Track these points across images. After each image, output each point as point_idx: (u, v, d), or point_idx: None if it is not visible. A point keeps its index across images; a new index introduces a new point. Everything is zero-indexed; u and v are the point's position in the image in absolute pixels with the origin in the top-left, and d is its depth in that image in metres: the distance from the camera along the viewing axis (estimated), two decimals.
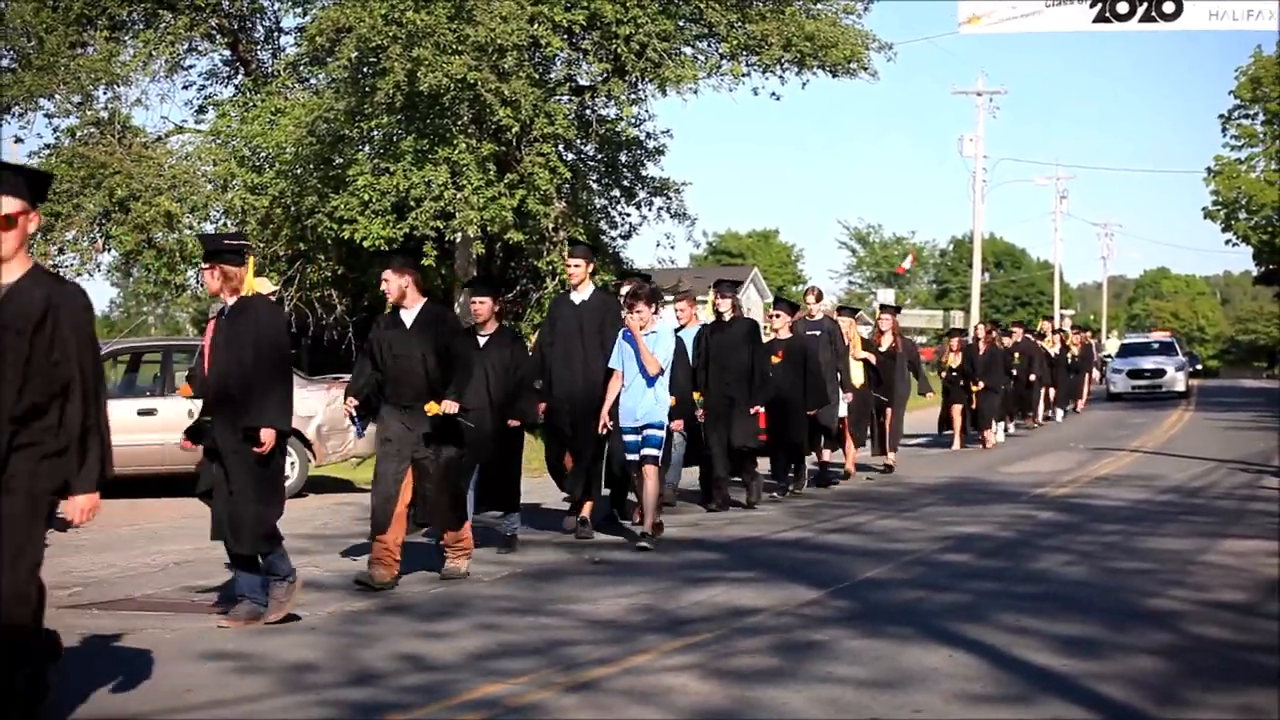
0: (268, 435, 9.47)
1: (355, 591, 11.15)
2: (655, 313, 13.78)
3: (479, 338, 13.17)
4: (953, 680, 8.03)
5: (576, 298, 14.43)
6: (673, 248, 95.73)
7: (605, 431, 13.77)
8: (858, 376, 20.37)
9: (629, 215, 28.08)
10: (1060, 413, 35.24)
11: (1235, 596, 10.80)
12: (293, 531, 14.40)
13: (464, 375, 11.25)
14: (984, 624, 9.59)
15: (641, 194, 27.79)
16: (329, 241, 25.82)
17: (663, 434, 13.57)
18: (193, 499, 17.47)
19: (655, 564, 12.62)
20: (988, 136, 60.56)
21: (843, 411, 19.74)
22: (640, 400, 13.57)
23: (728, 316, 16.88)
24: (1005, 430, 29.21)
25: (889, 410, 21.71)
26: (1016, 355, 29.84)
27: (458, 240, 25.13)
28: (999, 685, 7.97)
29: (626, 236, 28.26)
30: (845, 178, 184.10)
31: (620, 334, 13.72)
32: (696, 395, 16.60)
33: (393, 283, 11.31)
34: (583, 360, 14.09)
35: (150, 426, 17.84)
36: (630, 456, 13.69)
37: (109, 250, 27.93)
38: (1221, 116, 53.66)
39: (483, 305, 13.33)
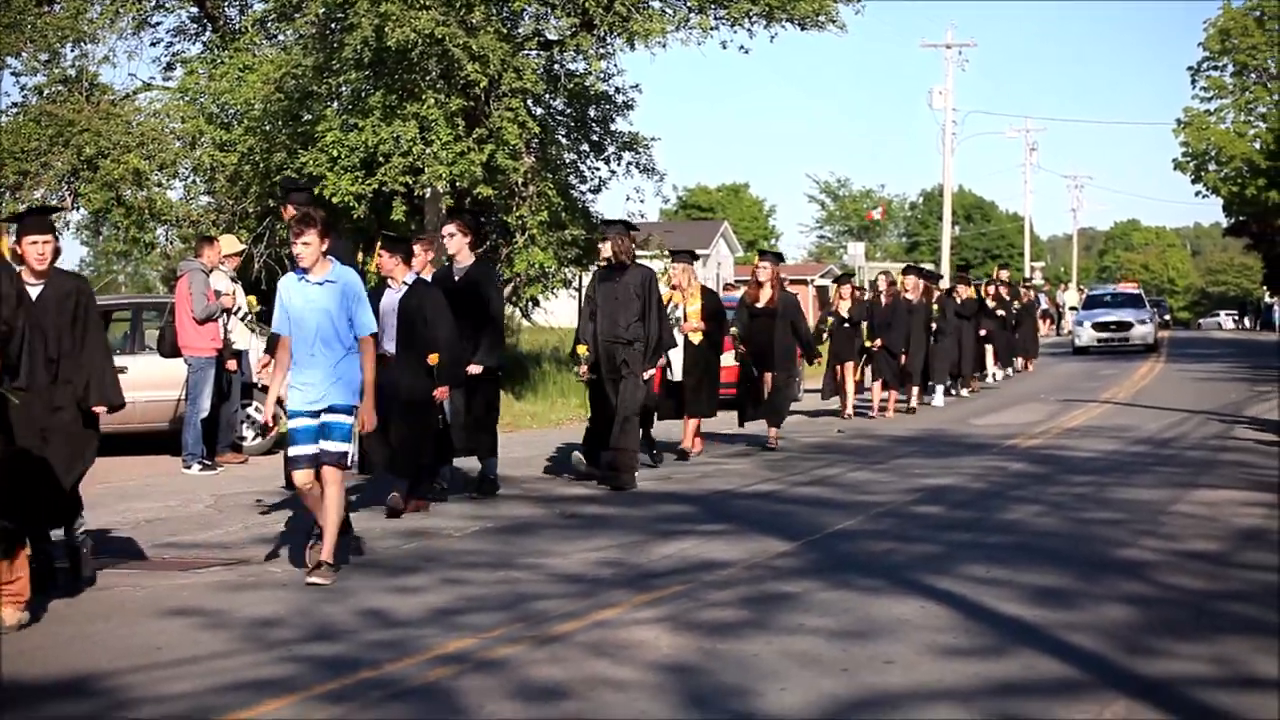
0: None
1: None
2: (328, 253, 10.03)
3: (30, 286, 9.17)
4: (924, 631, 8.05)
5: None
6: (642, 202, 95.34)
7: (275, 422, 11.24)
8: (683, 335, 16.88)
9: (598, 170, 27.91)
10: (1000, 374, 32.38)
11: (1207, 546, 10.84)
12: (272, 488, 14.40)
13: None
14: (955, 575, 9.61)
15: (611, 149, 27.61)
16: None
17: (350, 421, 9.92)
18: (164, 456, 17.59)
19: (627, 518, 12.61)
20: (957, 89, 60.70)
21: (674, 375, 16.81)
22: (314, 376, 9.92)
23: (614, 262, 14.83)
24: (947, 392, 26.48)
25: (768, 376, 18.27)
26: (937, 308, 25.72)
27: (427, 196, 25.02)
28: (970, 636, 7.98)
29: (596, 191, 28.09)
30: (815, 131, 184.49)
31: (281, 283, 10.18)
32: (583, 350, 14.85)
33: (50, 243, 9.32)
34: None
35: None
36: (305, 450, 9.90)
37: (78, 208, 27.74)
38: (1191, 68, 53.98)
39: (47, 246, 9.42)
